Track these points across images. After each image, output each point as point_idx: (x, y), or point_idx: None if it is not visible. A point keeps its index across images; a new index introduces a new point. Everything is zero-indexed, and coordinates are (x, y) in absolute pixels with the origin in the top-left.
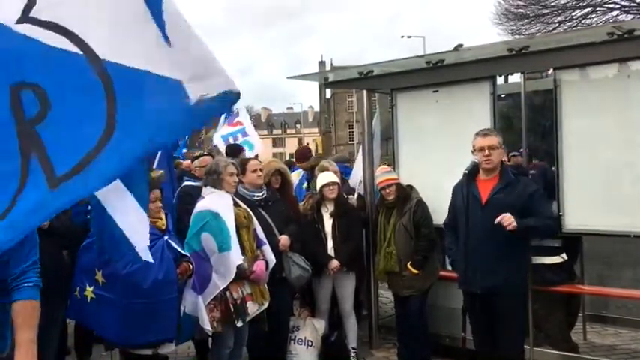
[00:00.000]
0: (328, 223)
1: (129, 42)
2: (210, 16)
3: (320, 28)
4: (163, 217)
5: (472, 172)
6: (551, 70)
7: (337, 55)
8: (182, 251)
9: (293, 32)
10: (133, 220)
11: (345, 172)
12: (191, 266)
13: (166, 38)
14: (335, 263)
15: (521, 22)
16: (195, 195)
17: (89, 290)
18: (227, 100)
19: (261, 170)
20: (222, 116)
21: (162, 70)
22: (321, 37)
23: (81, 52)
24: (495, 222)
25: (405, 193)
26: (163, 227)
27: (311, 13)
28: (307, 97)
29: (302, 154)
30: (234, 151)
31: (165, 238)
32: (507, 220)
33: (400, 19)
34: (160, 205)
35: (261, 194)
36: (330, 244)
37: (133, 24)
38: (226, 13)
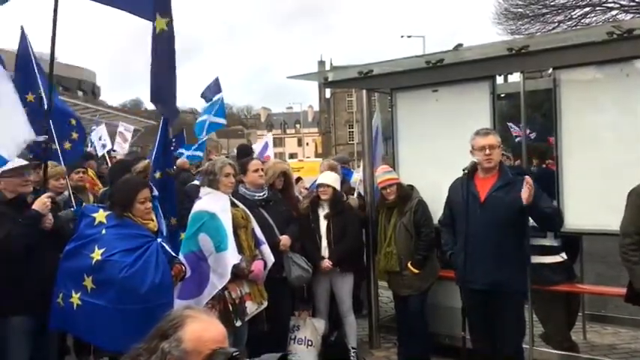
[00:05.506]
0: (323, 223)
1: None
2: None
3: (320, 27)
4: (154, 217)
5: (470, 171)
6: (550, 70)
7: (336, 54)
8: (172, 253)
9: (294, 32)
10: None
11: (344, 173)
12: (184, 268)
13: None
14: (326, 263)
15: (520, 22)
16: (195, 195)
17: (75, 297)
18: None
19: (262, 170)
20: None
21: None
22: (322, 36)
23: None
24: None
25: (406, 192)
26: (155, 229)
27: (311, 13)
28: (307, 97)
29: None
30: (245, 151)
31: (159, 240)
32: (527, 194)
33: (400, 18)
34: (150, 205)
35: (262, 194)
36: (323, 243)
37: None
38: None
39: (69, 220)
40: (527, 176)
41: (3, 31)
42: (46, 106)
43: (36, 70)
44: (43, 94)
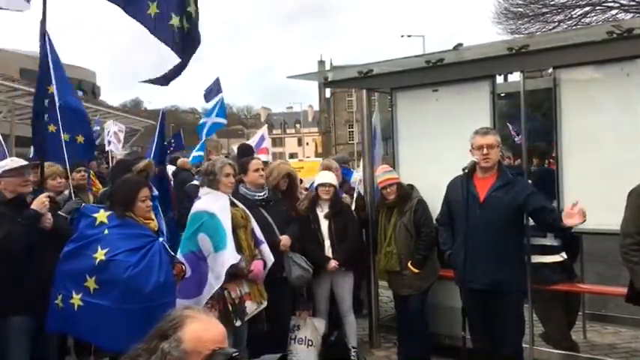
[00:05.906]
0: (324, 223)
1: None
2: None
3: (320, 27)
4: (154, 216)
5: (469, 171)
6: (550, 69)
7: (336, 54)
8: (171, 252)
9: (294, 32)
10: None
11: (344, 172)
12: (184, 267)
13: None
14: (333, 264)
15: (520, 21)
16: (195, 195)
17: (76, 298)
18: None
19: (263, 170)
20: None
21: None
22: (322, 36)
23: None
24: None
25: (406, 192)
26: (156, 228)
27: (311, 13)
28: (307, 97)
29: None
30: (245, 150)
31: (161, 239)
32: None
33: (400, 18)
34: (150, 204)
35: (262, 194)
36: (327, 244)
37: None
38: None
39: (73, 210)
40: (579, 204)
41: (3, 31)
42: (57, 103)
43: (51, 66)
44: (55, 89)
